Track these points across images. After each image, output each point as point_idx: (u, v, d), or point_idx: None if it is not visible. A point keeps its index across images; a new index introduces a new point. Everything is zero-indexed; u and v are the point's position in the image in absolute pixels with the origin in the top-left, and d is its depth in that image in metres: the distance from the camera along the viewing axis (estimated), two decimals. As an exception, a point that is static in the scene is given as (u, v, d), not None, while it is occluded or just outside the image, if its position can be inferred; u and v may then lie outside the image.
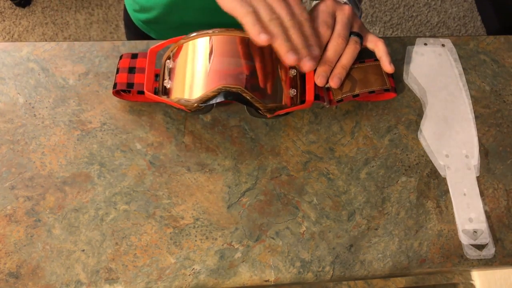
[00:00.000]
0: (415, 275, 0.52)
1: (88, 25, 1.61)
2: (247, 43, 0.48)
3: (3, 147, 0.49)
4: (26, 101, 0.51)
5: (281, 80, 0.50)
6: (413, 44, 0.58)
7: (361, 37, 0.52)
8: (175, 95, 0.48)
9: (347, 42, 0.51)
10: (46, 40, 1.56)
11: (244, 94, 0.46)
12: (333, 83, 0.51)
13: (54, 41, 0.59)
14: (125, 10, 0.81)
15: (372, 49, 0.53)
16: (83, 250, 0.46)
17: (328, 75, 0.51)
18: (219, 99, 0.46)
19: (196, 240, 0.47)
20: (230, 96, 0.46)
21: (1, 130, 0.50)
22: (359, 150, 0.52)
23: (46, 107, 0.51)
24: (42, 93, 0.52)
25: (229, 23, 0.53)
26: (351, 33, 0.52)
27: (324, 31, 0.50)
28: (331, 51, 0.50)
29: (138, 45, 0.55)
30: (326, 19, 0.51)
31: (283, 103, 0.49)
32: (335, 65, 0.51)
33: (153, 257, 0.46)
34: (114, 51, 0.55)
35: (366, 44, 0.54)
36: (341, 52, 0.51)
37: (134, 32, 0.79)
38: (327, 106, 0.53)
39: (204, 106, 0.47)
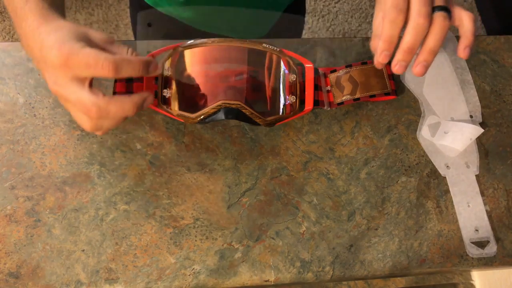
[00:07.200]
0: (415, 275, 0.52)
1: (88, 25, 1.61)
2: (246, 52, 0.48)
3: (3, 147, 0.49)
4: (26, 101, 0.51)
5: (280, 89, 0.50)
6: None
7: (448, 11, 0.43)
8: (175, 107, 0.48)
9: (430, 20, 0.42)
10: (46, 40, 1.55)
11: (244, 111, 0.46)
12: (416, 71, 0.43)
13: (54, 41, 0.59)
14: None
15: (456, 26, 0.45)
16: (83, 250, 0.46)
17: (408, 63, 0.43)
18: (219, 117, 0.46)
19: (196, 240, 0.47)
20: (230, 115, 0.46)
21: (1, 130, 0.50)
22: (359, 150, 0.52)
23: (46, 107, 0.51)
24: (42, 93, 0.52)
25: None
26: (435, 7, 0.42)
27: (394, 17, 0.42)
28: (409, 35, 0.42)
29: (138, 46, 0.55)
30: (395, 1, 0.42)
31: (282, 113, 0.49)
32: (420, 50, 0.43)
33: (153, 257, 0.46)
34: (114, 51, 0.55)
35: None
36: (424, 34, 0.42)
37: (139, 8, 0.77)
38: (327, 109, 0.53)
39: (203, 121, 0.47)
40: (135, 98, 0.43)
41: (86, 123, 0.43)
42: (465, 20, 0.44)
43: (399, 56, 0.43)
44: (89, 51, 0.39)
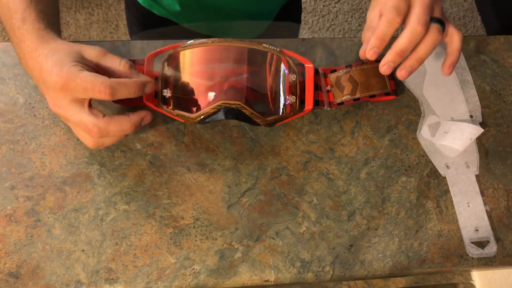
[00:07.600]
0: (415, 275, 0.52)
1: (88, 25, 1.61)
2: (246, 52, 0.48)
3: (3, 147, 0.49)
4: (26, 101, 0.51)
5: (280, 89, 0.50)
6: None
7: (443, 24, 0.43)
8: (175, 107, 0.48)
9: (427, 29, 0.42)
10: (46, 40, 1.55)
11: (244, 111, 0.46)
12: (400, 74, 0.44)
13: (54, 41, 0.59)
14: None
15: (445, 42, 0.47)
16: (83, 250, 0.46)
17: (396, 65, 0.44)
18: (219, 117, 0.46)
19: (196, 240, 0.47)
20: (230, 115, 0.46)
21: (1, 130, 0.50)
22: (359, 150, 0.52)
23: (46, 107, 0.51)
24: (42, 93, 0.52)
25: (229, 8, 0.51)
26: (432, 18, 0.43)
27: (392, 17, 0.42)
28: (405, 39, 0.42)
29: (138, 46, 0.55)
30: (397, 3, 0.42)
31: (282, 113, 0.49)
32: (409, 55, 0.44)
33: (153, 257, 0.46)
34: (114, 51, 0.54)
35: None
36: (417, 41, 0.42)
37: (134, 10, 0.78)
38: (327, 109, 0.53)
39: (203, 121, 0.47)
40: (133, 118, 0.45)
41: (87, 141, 0.45)
42: (455, 38, 0.46)
43: (389, 57, 0.44)
44: (86, 76, 0.41)
